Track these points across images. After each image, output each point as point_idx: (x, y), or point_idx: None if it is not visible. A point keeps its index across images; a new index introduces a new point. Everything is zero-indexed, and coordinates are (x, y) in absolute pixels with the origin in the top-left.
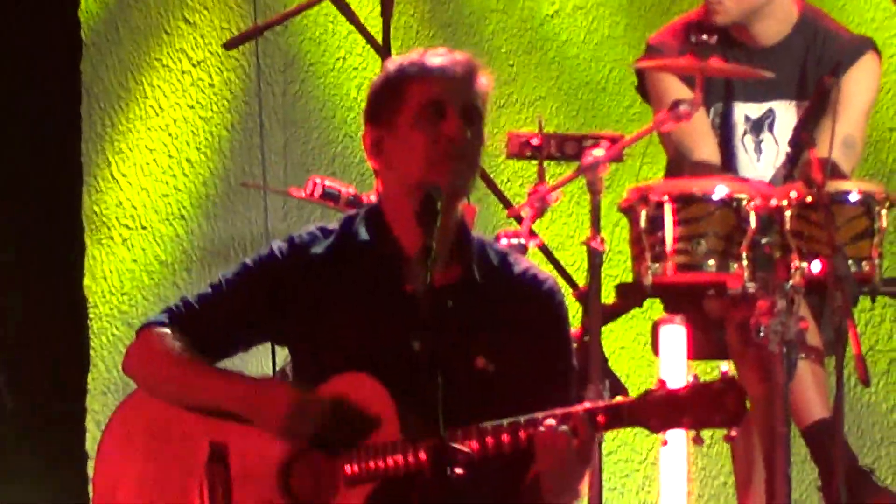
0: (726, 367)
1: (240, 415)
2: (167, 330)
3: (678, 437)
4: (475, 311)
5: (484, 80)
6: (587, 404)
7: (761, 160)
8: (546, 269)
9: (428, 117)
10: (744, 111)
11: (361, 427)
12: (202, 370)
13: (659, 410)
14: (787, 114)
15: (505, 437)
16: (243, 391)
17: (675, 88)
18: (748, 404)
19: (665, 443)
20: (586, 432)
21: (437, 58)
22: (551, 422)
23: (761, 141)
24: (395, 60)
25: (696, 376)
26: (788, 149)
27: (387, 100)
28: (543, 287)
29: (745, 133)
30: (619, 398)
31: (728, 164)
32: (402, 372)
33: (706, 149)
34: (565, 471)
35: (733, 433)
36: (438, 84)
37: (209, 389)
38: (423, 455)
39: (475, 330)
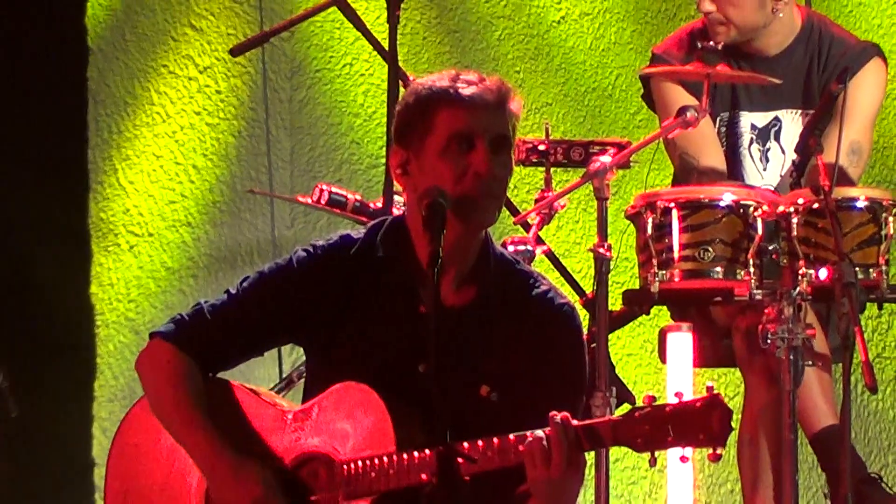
0: (711, 383)
1: (208, 483)
2: (176, 350)
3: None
4: (484, 336)
5: (514, 106)
6: (574, 422)
7: (768, 169)
8: (552, 277)
9: (455, 148)
10: (750, 120)
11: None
12: (191, 421)
13: (643, 430)
14: (792, 123)
15: (494, 454)
16: (218, 467)
17: (681, 97)
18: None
19: (685, 459)
20: (570, 448)
21: (469, 86)
22: (540, 434)
23: (768, 150)
24: (426, 82)
25: (710, 388)
26: (795, 156)
27: (415, 123)
28: (559, 313)
29: (751, 142)
30: (604, 416)
31: (734, 172)
32: (407, 391)
33: (712, 156)
34: (554, 483)
35: (719, 451)
36: (469, 114)
37: (190, 445)
38: (429, 465)
39: (481, 356)
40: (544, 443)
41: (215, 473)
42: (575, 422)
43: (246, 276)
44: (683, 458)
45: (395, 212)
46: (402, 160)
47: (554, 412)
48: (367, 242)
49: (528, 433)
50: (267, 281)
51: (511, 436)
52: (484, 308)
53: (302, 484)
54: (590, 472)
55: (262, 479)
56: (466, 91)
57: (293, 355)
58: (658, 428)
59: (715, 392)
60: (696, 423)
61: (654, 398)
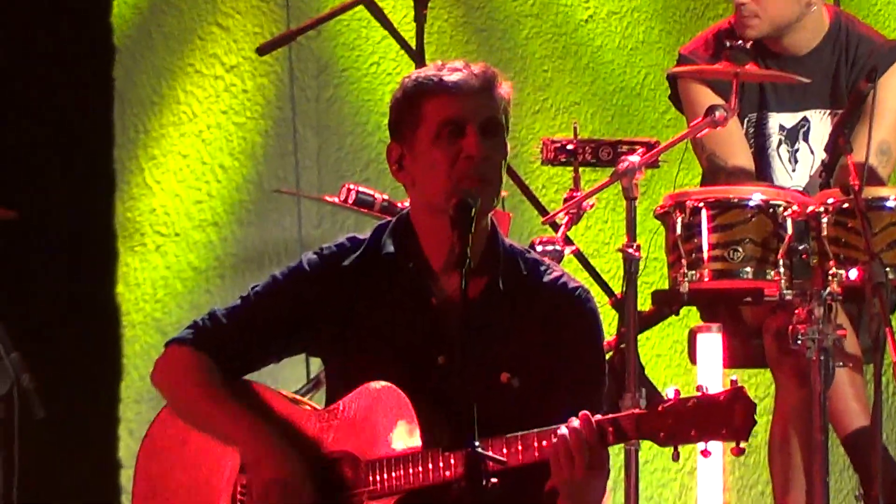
0: (735, 377)
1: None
2: (194, 350)
3: (716, 446)
4: (500, 325)
5: (503, 89)
6: (598, 416)
7: (797, 170)
8: (581, 277)
9: (446, 136)
10: (778, 121)
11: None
12: (223, 404)
13: (666, 424)
14: (821, 123)
15: (521, 449)
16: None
17: (708, 97)
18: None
19: (707, 453)
20: (596, 444)
21: (453, 73)
22: (564, 431)
23: (797, 150)
24: (412, 75)
25: (733, 381)
26: (824, 156)
27: (405, 117)
28: (573, 296)
29: (779, 143)
30: (630, 410)
31: (763, 173)
32: (429, 385)
33: (741, 157)
34: (577, 483)
35: (742, 445)
36: (455, 101)
37: (226, 429)
38: (457, 465)
39: (499, 344)
40: (568, 444)
41: (250, 448)
42: (598, 416)
43: (259, 282)
44: (706, 453)
45: None
46: (398, 155)
47: (572, 417)
48: (374, 242)
49: (553, 428)
50: (279, 284)
51: (535, 431)
52: (496, 297)
53: (328, 482)
54: (619, 474)
55: (298, 468)
56: (451, 78)
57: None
58: (681, 422)
59: (738, 385)
60: (719, 417)
61: (678, 392)
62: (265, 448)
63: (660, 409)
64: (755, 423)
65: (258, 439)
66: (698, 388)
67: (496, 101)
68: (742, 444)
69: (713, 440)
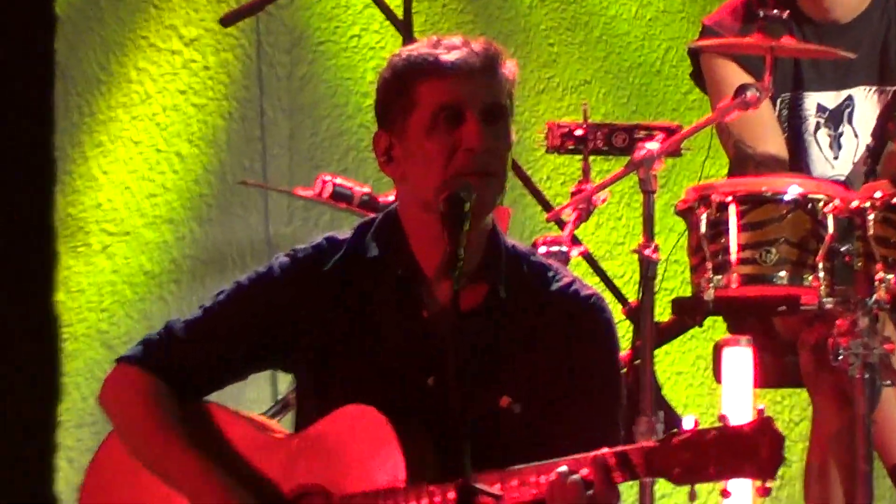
0: (763, 406)
1: None
2: (145, 371)
3: (741, 482)
4: (500, 340)
5: (508, 69)
6: (604, 450)
7: (840, 157)
8: (591, 283)
9: (443, 123)
10: (817, 100)
11: None
12: (170, 442)
13: (682, 459)
14: (866, 100)
15: (517, 485)
16: (206, 490)
17: (736, 75)
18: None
19: (727, 493)
20: (602, 482)
21: (450, 51)
22: (563, 469)
23: (840, 134)
24: (403, 53)
25: (760, 411)
26: (871, 141)
27: (394, 101)
28: (586, 305)
29: (817, 126)
30: (640, 443)
31: (798, 162)
32: (416, 409)
33: (773, 143)
34: None
35: (768, 485)
36: (454, 84)
37: (171, 471)
38: (444, 501)
39: (500, 363)
40: (565, 486)
41: (202, 497)
42: (605, 450)
43: (222, 289)
44: (726, 493)
45: None
46: (386, 146)
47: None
48: (356, 243)
49: (552, 465)
50: (245, 292)
51: (532, 466)
52: (498, 308)
53: None
54: None
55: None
56: (449, 57)
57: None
58: (699, 456)
59: (765, 416)
60: (742, 452)
61: (697, 423)
62: (216, 494)
63: (674, 441)
64: (783, 459)
65: (208, 484)
66: (721, 419)
67: (500, 83)
68: (768, 484)
69: (735, 478)
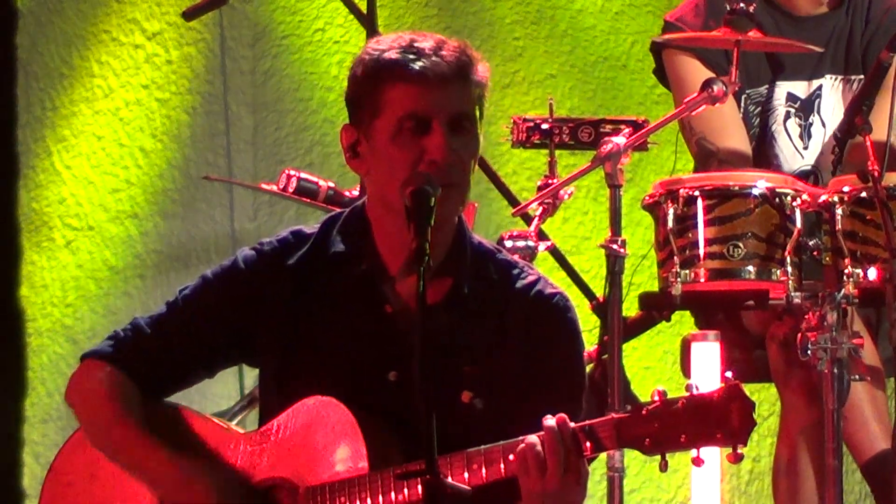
0: (730, 373)
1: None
2: (111, 367)
3: (710, 472)
4: (462, 335)
5: (479, 75)
6: (573, 424)
7: (810, 146)
8: (557, 277)
9: (408, 131)
10: (787, 90)
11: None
12: (134, 436)
13: (652, 429)
14: (832, 90)
15: (484, 465)
16: (169, 474)
17: (699, 72)
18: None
19: (700, 461)
20: (572, 453)
21: (421, 57)
22: (532, 439)
23: (810, 124)
24: (373, 49)
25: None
26: (837, 133)
27: (363, 101)
28: (549, 305)
29: (787, 116)
30: (609, 416)
31: (765, 154)
32: (378, 403)
33: (735, 139)
34: (552, 496)
35: (739, 451)
36: (422, 91)
37: (135, 462)
38: (410, 488)
39: (461, 358)
40: (538, 449)
41: (166, 481)
42: (572, 424)
43: (187, 284)
44: (698, 461)
45: None
46: (352, 141)
47: (548, 416)
48: (322, 237)
49: (520, 439)
50: (210, 286)
51: (500, 444)
52: (461, 304)
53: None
54: None
55: (219, 486)
56: (418, 64)
57: (256, 370)
58: (669, 426)
59: (733, 381)
60: (713, 419)
61: (664, 393)
62: (186, 481)
63: (643, 412)
64: (755, 424)
65: (174, 471)
66: (688, 388)
67: (470, 92)
68: (740, 450)
69: (707, 445)
